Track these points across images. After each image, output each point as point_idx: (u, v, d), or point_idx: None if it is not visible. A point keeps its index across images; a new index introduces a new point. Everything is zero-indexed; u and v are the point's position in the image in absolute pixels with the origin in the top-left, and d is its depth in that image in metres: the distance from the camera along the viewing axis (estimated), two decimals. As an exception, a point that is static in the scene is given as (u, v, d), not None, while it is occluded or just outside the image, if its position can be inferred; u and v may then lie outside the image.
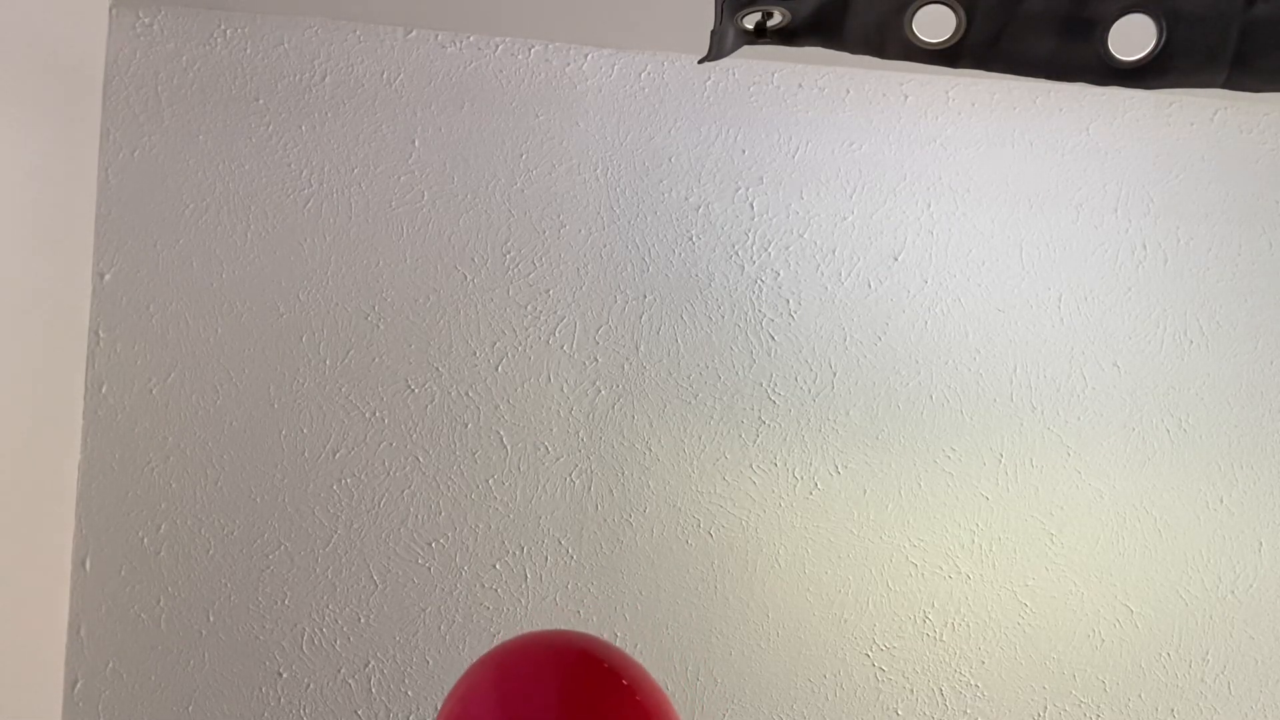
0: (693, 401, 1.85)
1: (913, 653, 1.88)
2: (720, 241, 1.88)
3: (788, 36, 1.03)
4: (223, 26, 1.79)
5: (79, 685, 1.72)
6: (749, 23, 1.03)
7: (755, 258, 1.88)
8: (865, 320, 1.89)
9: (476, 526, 1.80)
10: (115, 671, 1.73)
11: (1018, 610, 1.90)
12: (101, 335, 1.74)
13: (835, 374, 1.88)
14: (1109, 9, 0.97)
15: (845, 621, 1.87)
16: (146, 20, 1.77)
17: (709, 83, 1.88)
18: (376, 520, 1.79)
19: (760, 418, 1.87)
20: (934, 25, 0.99)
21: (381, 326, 1.80)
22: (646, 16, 1.74)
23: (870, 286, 1.90)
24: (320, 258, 1.79)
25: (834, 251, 1.90)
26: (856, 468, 1.88)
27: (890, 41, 1.00)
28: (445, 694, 1.62)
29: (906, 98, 1.92)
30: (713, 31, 1.04)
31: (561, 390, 1.83)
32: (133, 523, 1.74)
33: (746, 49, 1.07)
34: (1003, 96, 1.93)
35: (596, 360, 1.84)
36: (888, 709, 1.87)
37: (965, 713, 1.89)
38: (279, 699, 1.76)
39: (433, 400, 1.80)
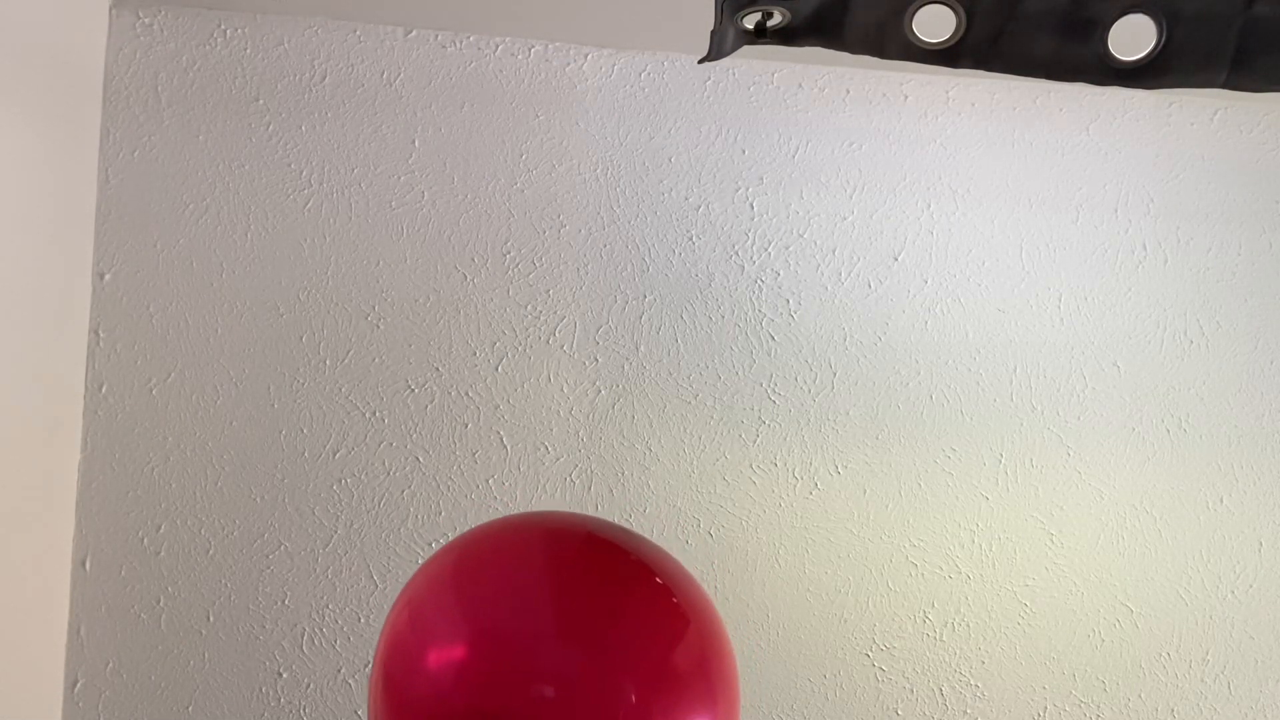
0: (693, 401, 1.85)
1: (913, 653, 1.88)
2: (720, 241, 1.88)
3: (788, 36, 1.03)
4: (223, 26, 1.79)
5: (79, 685, 1.72)
6: (749, 23, 1.03)
7: (755, 258, 1.88)
8: (865, 320, 1.89)
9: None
10: (115, 671, 1.73)
11: (1018, 610, 1.90)
12: (101, 335, 1.74)
13: (835, 374, 1.88)
14: (1109, 9, 0.97)
15: (845, 621, 1.87)
16: (146, 20, 1.77)
17: (709, 83, 1.88)
18: (376, 520, 1.79)
19: (760, 418, 1.87)
20: (934, 25, 0.99)
21: (381, 326, 1.80)
22: (646, 16, 1.74)
23: (870, 286, 1.90)
24: (320, 258, 1.79)
25: (834, 251, 1.90)
26: (856, 468, 1.88)
27: (890, 41, 1.00)
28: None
29: (906, 98, 1.92)
30: (713, 31, 1.04)
31: (561, 390, 1.83)
32: (133, 523, 1.74)
33: (746, 49, 1.07)
34: (1003, 96, 1.93)
35: (596, 360, 1.84)
36: (888, 709, 1.87)
37: (965, 713, 1.89)
38: (279, 699, 1.76)
39: (433, 400, 1.80)
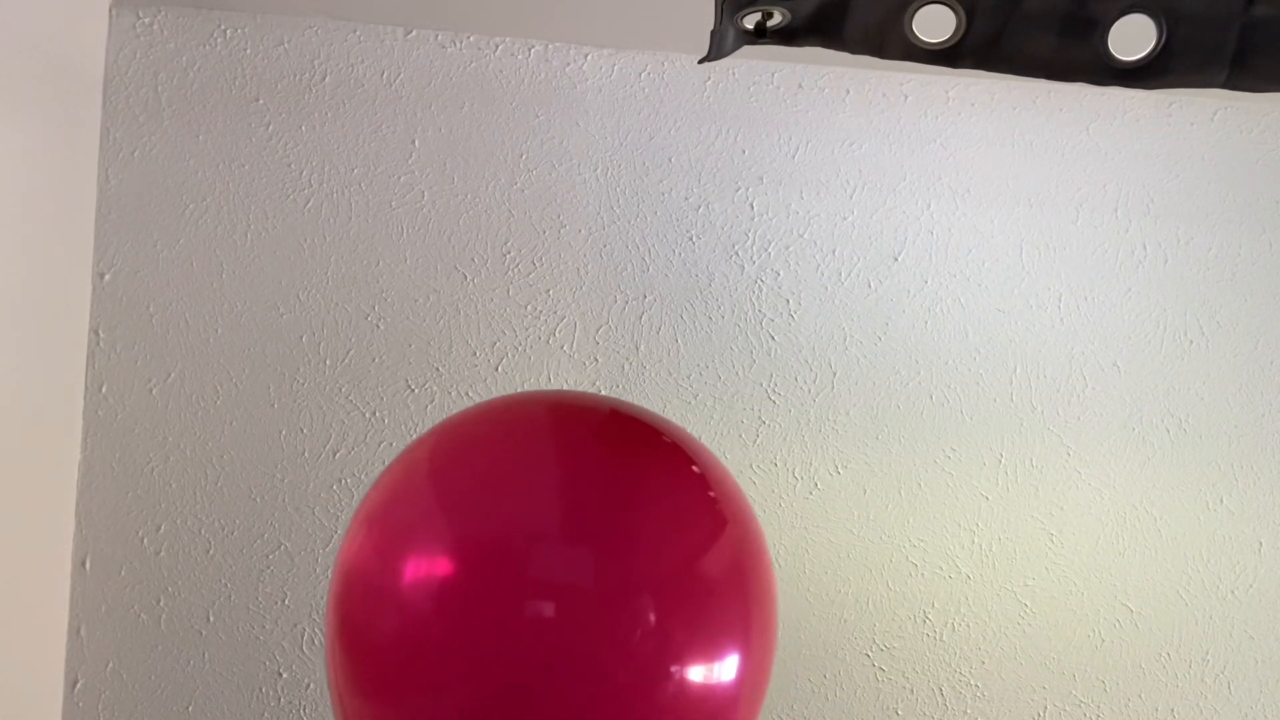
0: (693, 401, 1.85)
1: (913, 653, 1.88)
2: (720, 241, 1.87)
3: (788, 36, 1.03)
4: (223, 26, 1.79)
5: (79, 685, 1.72)
6: (749, 23, 1.03)
7: (755, 258, 1.88)
8: (865, 320, 1.89)
9: (476, 526, 1.80)
10: (115, 671, 1.73)
11: (1018, 610, 1.90)
12: (101, 335, 1.74)
13: (835, 374, 1.88)
14: (1109, 9, 0.97)
15: (845, 621, 1.87)
16: (146, 20, 1.77)
17: (709, 83, 1.88)
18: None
19: (760, 418, 1.87)
20: (934, 25, 0.99)
21: (381, 326, 1.80)
22: (646, 16, 1.74)
23: (870, 286, 1.90)
24: (320, 258, 1.79)
25: (834, 251, 1.90)
26: (856, 468, 1.88)
27: (890, 41, 1.00)
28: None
29: (906, 98, 1.92)
30: (713, 31, 1.04)
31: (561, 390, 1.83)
32: (133, 523, 1.74)
33: (746, 49, 1.07)
34: (1003, 96, 1.93)
35: (596, 360, 1.84)
36: (888, 709, 1.87)
37: (965, 713, 1.89)
38: (279, 699, 1.76)
39: (433, 400, 1.80)
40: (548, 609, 0.82)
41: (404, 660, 0.84)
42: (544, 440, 0.90)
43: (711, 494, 0.89)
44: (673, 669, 0.83)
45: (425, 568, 0.85)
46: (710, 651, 0.86)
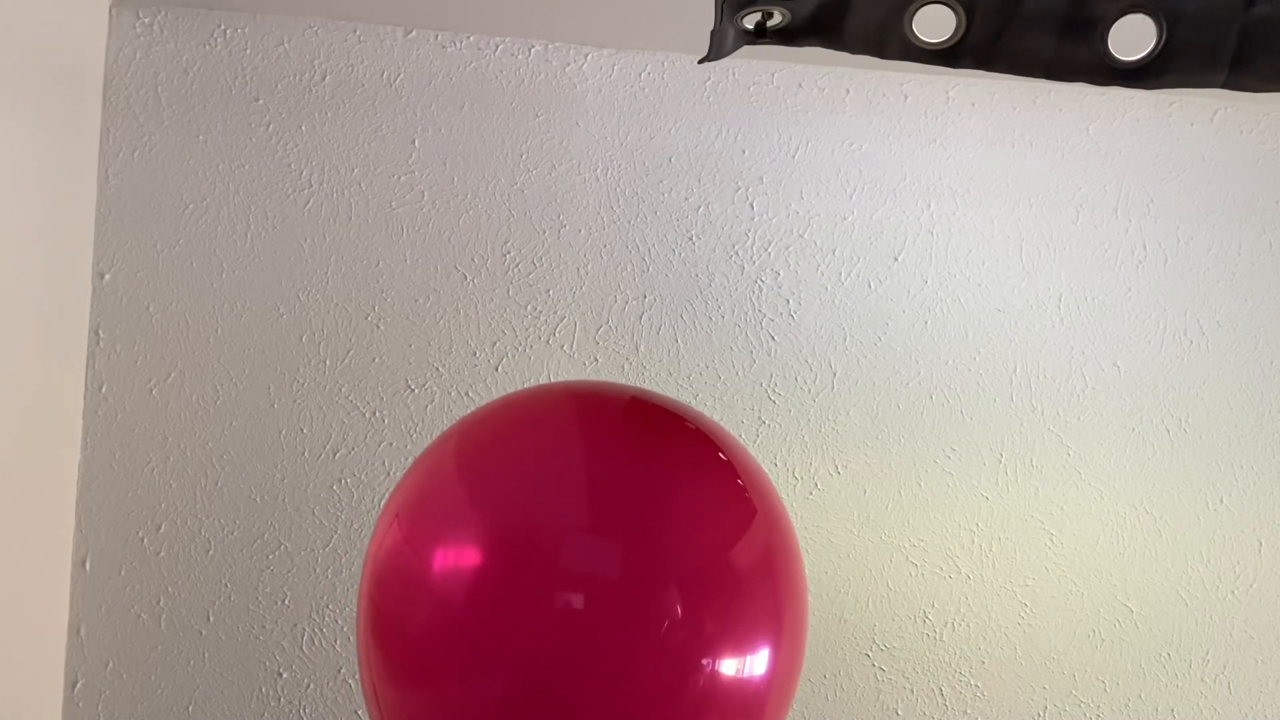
0: (693, 401, 1.85)
1: (913, 653, 1.88)
2: (720, 241, 1.87)
3: (788, 36, 1.03)
4: (223, 26, 1.79)
5: (79, 685, 1.72)
6: (749, 23, 1.03)
7: (755, 258, 1.88)
8: (865, 320, 1.89)
9: (476, 526, 1.80)
10: (115, 671, 1.73)
11: (1018, 610, 1.90)
12: (101, 335, 1.74)
13: (835, 374, 1.88)
14: (1109, 9, 0.97)
15: (845, 621, 1.87)
16: (146, 20, 1.77)
17: (709, 83, 1.88)
18: (376, 520, 1.78)
19: (760, 418, 1.87)
20: (934, 25, 0.99)
21: (381, 326, 1.80)
22: (646, 16, 1.74)
23: (870, 286, 1.90)
24: (320, 258, 1.79)
25: (834, 251, 1.90)
26: (856, 468, 1.88)
27: (890, 41, 1.00)
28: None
29: (906, 98, 1.92)
30: (713, 31, 1.04)
31: (561, 390, 1.83)
32: (133, 523, 1.74)
33: (746, 49, 1.07)
34: (1003, 96, 1.93)
35: (596, 360, 1.84)
36: (888, 709, 1.87)
37: (965, 713, 1.89)
38: (279, 699, 1.76)
39: (433, 400, 1.80)
40: (578, 599, 0.82)
41: (436, 650, 0.84)
42: (571, 430, 0.89)
43: (740, 482, 0.87)
44: (704, 660, 0.82)
45: (456, 558, 0.85)
46: (742, 642, 0.85)
